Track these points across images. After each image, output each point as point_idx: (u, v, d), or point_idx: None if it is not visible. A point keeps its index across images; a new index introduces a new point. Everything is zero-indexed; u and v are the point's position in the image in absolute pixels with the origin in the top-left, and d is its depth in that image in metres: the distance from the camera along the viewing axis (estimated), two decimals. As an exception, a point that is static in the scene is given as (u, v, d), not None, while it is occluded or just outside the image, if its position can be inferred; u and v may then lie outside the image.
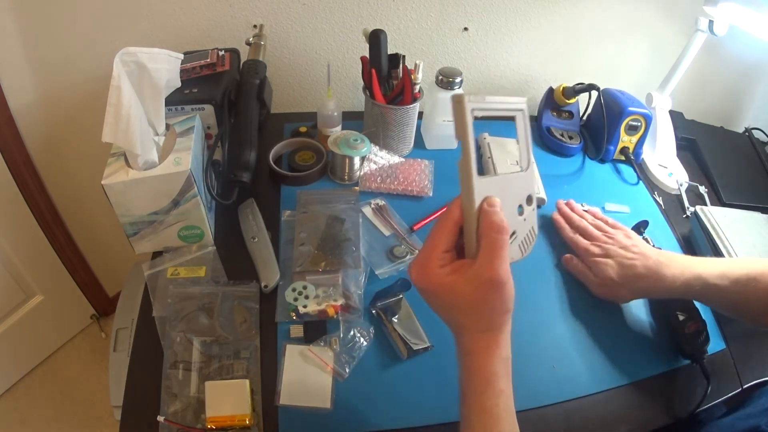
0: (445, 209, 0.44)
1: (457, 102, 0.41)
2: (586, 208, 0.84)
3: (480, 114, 0.41)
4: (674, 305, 0.73)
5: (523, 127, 0.47)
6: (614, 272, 0.69)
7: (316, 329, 0.67)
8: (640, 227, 0.84)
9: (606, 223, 0.79)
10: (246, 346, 0.64)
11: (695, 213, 0.86)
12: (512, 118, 0.46)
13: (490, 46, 1.13)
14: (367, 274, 0.74)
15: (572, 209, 0.84)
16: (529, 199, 0.47)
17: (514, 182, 0.47)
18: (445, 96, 0.92)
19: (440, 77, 0.91)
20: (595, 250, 0.73)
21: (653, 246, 0.81)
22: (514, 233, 0.45)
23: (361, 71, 0.91)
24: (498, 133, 1.03)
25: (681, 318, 0.71)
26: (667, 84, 1.03)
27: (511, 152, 0.98)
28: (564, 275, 0.79)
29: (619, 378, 0.67)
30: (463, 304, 0.41)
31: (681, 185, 0.99)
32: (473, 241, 0.42)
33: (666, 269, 0.65)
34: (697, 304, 0.75)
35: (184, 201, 0.68)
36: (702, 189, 0.99)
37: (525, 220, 0.47)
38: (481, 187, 0.42)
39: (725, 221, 0.82)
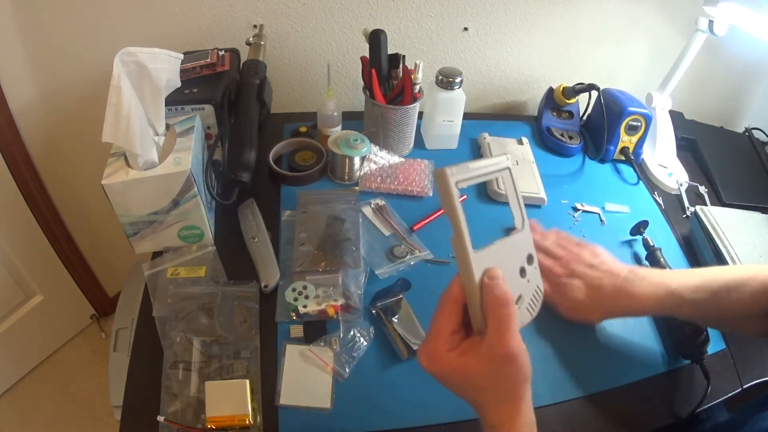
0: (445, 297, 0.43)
1: (440, 176, 0.40)
2: (554, 229, 0.76)
3: (465, 184, 0.41)
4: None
5: (512, 185, 0.45)
6: (581, 293, 0.64)
7: (316, 329, 0.67)
8: (639, 227, 0.84)
9: (570, 242, 0.72)
10: (246, 346, 0.64)
11: (695, 213, 0.86)
12: (497, 179, 0.45)
13: (490, 46, 1.13)
14: (367, 274, 0.74)
15: (533, 229, 0.74)
16: (529, 259, 0.46)
17: (513, 245, 0.45)
18: (446, 96, 0.92)
19: (440, 77, 0.91)
20: (560, 270, 0.67)
21: (654, 245, 0.81)
22: (519, 297, 0.44)
23: (361, 71, 0.91)
24: (498, 133, 1.03)
25: (681, 318, 0.71)
26: (667, 84, 1.03)
27: (511, 152, 0.98)
28: (564, 275, 0.79)
29: (619, 378, 0.67)
30: (479, 383, 0.41)
31: (681, 185, 0.99)
32: (478, 315, 0.41)
33: (636, 287, 0.62)
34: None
35: (184, 201, 0.68)
36: (702, 189, 0.99)
37: (528, 281, 0.45)
38: (479, 261, 0.40)
39: (725, 221, 0.82)
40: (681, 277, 0.62)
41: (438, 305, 0.43)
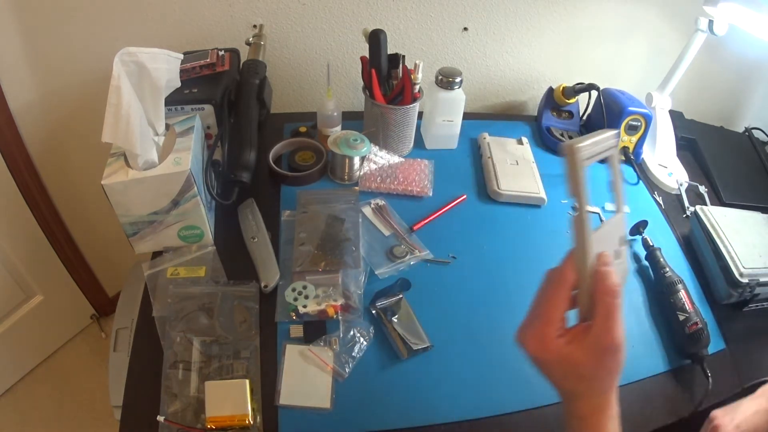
0: (553, 274, 0.41)
1: (570, 153, 0.38)
2: None
3: (588, 163, 0.39)
4: (674, 305, 0.73)
5: (617, 165, 0.44)
6: None
7: (316, 329, 0.67)
8: (639, 227, 0.84)
9: None
10: (246, 346, 0.64)
11: (695, 213, 0.86)
12: (606, 159, 0.44)
13: (490, 46, 1.13)
14: (367, 274, 0.74)
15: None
16: (622, 240, 0.45)
17: (613, 227, 0.44)
18: (445, 96, 0.92)
19: (440, 77, 0.91)
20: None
21: (653, 245, 0.81)
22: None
23: (360, 71, 0.91)
24: (498, 133, 1.03)
25: (681, 318, 0.71)
26: (667, 84, 1.03)
27: (511, 152, 0.98)
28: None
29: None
30: (582, 372, 0.40)
31: (681, 185, 0.99)
32: (586, 300, 0.40)
33: None
34: (697, 302, 0.75)
35: (184, 201, 0.68)
36: (702, 189, 0.99)
37: (621, 262, 0.45)
38: (594, 244, 0.40)
39: (725, 221, 0.82)
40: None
41: (548, 287, 0.41)
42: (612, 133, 0.43)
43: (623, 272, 0.46)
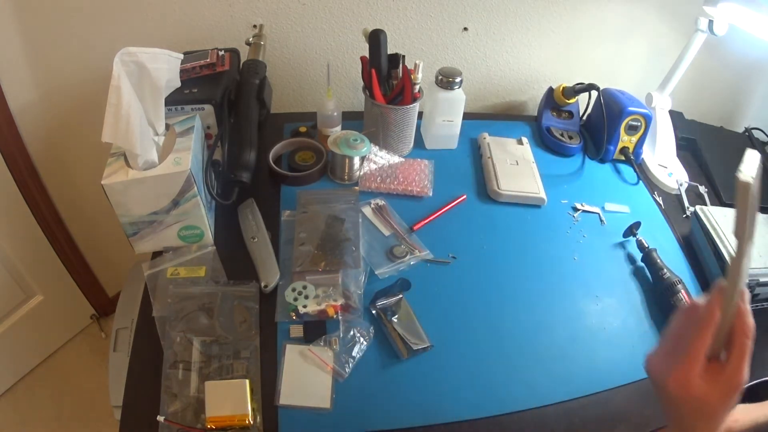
0: (693, 309, 0.41)
1: (743, 190, 0.35)
2: None
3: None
4: (676, 306, 0.73)
5: (757, 194, 0.38)
6: None
7: (316, 329, 0.67)
8: (632, 229, 0.84)
9: None
10: (246, 346, 0.64)
11: (695, 213, 0.86)
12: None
13: (490, 46, 1.13)
14: (367, 274, 0.74)
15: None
16: (745, 273, 0.42)
17: (747, 260, 0.41)
18: (445, 96, 0.92)
19: (440, 77, 0.91)
20: None
21: (648, 246, 0.81)
22: None
23: (360, 71, 0.91)
24: (498, 133, 1.03)
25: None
26: (667, 84, 1.03)
27: (511, 152, 0.98)
28: (565, 275, 0.79)
29: (619, 378, 0.67)
30: (709, 411, 0.40)
31: (681, 185, 0.99)
32: (723, 339, 0.40)
33: None
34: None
35: (184, 201, 0.68)
36: (702, 189, 0.99)
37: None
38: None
39: (725, 221, 0.82)
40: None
41: (692, 320, 0.41)
42: (754, 154, 0.39)
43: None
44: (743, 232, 0.37)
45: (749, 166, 0.37)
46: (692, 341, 0.40)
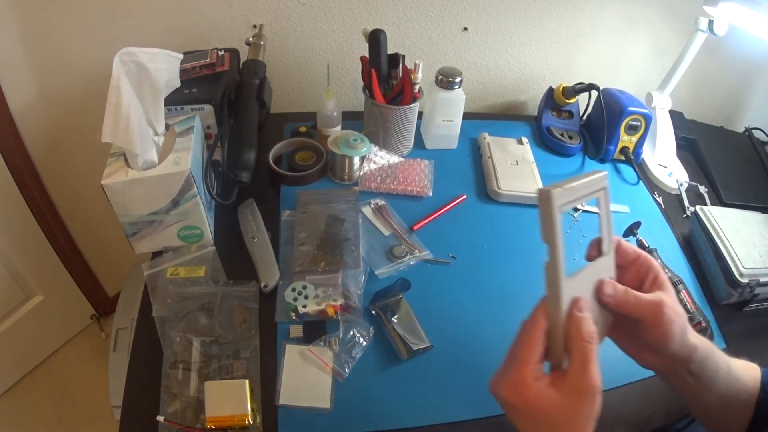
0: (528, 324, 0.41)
1: (545, 199, 0.37)
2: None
3: (566, 208, 0.38)
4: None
5: (606, 206, 0.42)
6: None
7: (316, 329, 0.67)
8: (632, 228, 0.84)
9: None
10: (245, 346, 0.64)
11: (695, 213, 0.86)
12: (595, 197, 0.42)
13: (490, 46, 1.13)
14: (367, 274, 0.74)
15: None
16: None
17: (597, 271, 0.43)
18: (445, 96, 0.92)
19: (440, 77, 0.91)
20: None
21: (649, 246, 0.81)
22: (596, 322, 0.42)
23: (360, 71, 0.91)
24: (498, 133, 1.03)
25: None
26: (667, 84, 1.03)
27: (511, 152, 0.98)
28: (564, 275, 0.79)
29: (619, 378, 0.67)
30: (556, 419, 0.39)
31: (681, 185, 0.99)
32: (560, 347, 0.40)
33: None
34: (697, 302, 0.75)
35: (184, 201, 0.68)
36: (702, 189, 0.99)
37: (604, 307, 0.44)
38: (568, 289, 0.39)
39: (725, 221, 0.82)
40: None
41: (521, 332, 0.41)
42: (600, 175, 0.42)
43: (606, 317, 0.45)
44: (553, 236, 0.37)
45: (575, 182, 0.39)
46: (519, 346, 0.41)
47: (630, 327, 0.46)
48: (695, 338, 0.46)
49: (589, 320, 0.39)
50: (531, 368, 0.39)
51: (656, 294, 0.43)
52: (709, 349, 0.47)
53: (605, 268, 0.44)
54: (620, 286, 0.43)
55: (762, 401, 0.48)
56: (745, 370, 0.50)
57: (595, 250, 0.44)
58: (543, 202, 0.37)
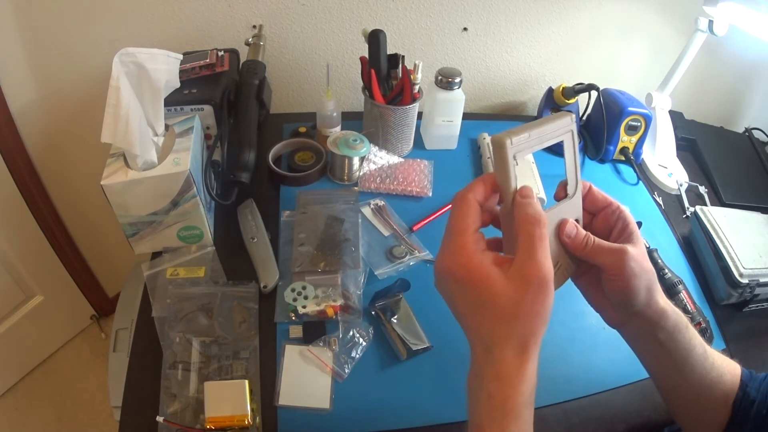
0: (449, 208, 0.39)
1: (498, 147, 0.36)
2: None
3: (524, 154, 0.37)
4: (676, 306, 0.73)
5: (572, 148, 0.42)
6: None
7: (316, 330, 0.67)
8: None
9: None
10: (245, 347, 0.64)
11: (695, 213, 0.86)
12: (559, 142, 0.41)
13: (490, 46, 1.12)
14: (367, 274, 0.74)
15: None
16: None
17: (561, 213, 0.42)
18: (445, 96, 0.92)
19: (440, 77, 0.91)
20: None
21: (649, 246, 0.81)
22: (558, 263, 0.42)
23: (360, 71, 0.91)
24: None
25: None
26: (667, 84, 1.03)
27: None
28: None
29: (619, 378, 0.67)
30: (502, 305, 0.35)
31: (681, 185, 0.99)
32: (512, 238, 0.38)
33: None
34: (697, 302, 0.75)
35: (184, 201, 0.68)
36: (702, 189, 0.99)
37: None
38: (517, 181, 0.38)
39: (725, 221, 0.82)
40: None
41: (454, 206, 0.38)
42: (564, 120, 0.40)
43: (569, 261, 0.43)
44: (504, 182, 0.38)
45: (534, 128, 0.38)
46: (454, 217, 0.38)
47: (595, 276, 0.43)
48: (666, 304, 0.43)
49: (534, 205, 0.37)
50: (470, 236, 0.37)
51: (622, 244, 0.41)
52: (682, 322, 0.44)
53: (571, 211, 0.43)
54: (582, 230, 0.41)
55: (740, 401, 0.46)
56: (724, 365, 0.47)
57: (562, 191, 0.43)
58: (497, 150, 0.37)
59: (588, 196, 0.44)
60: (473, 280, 0.36)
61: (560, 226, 0.41)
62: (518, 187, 0.38)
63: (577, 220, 0.43)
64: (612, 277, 0.41)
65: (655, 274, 0.42)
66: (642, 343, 0.46)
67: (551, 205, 0.42)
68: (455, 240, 0.37)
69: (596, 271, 0.43)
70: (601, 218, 0.44)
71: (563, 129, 0.41)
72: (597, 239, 0.41)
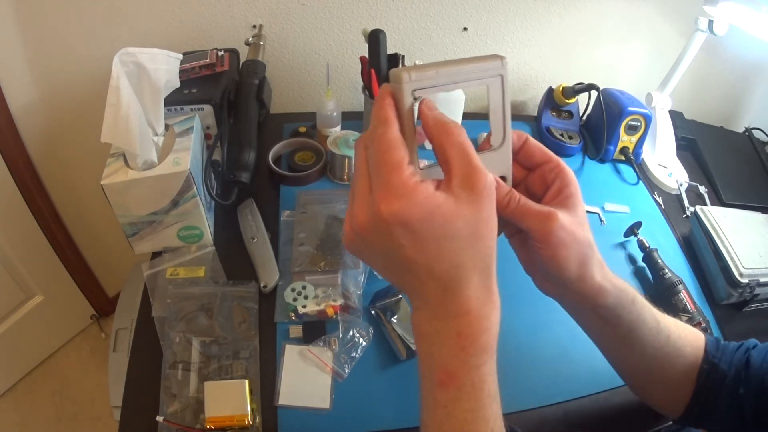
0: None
1: (395, 81, 0.32)
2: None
3: (427, 93, 0.33)
4: (676, 306, 0.73)
5: (500, 95, 0.36)
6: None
7: (316, 329, 0.67)
8: (633, 228, 0.84)
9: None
10: (245, 347, 0.64)
11: (695, 213, 0.86)
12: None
13: (490, 46, 1.12)
14: (367, 274, 0.74)
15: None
16: (503, 181, 0.37)
17: (485, 163, 0.34)
18: (445, 96, 0.92)
19: (440, 77, 0.91)
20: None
21: (649, 246, 0.81)
22: None
23: (360, 71, 0.91)
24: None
25: (684, 319, 0.71)
26: (667, 84, 1.03)
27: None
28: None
29: (619, 378, 0.67)
30: (462, 230, 0.30)
31: (681, 185, 0.99)
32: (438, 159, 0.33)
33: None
34: (697, 302, 0.75)
35: (184, 201, 0.68)
36: (702, 189, 0.99)
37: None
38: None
39: (725, 221, 0.82)
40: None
41: (376, 144, 0.32)
42: (493, 63, 0.35)
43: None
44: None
45: (448, 66, 0.33)
46: (381, 154, 0.32)
47: (525, 240, 0.38)
48: (606, 280, 0.38)
49: (443, 115, 0.33)
50: (407, 170, 0.31)
51: (552, 208, 0.35)
52: (627, 298, 0.39)
53: (496, 165, 0.37)
54: (505, 186, 0.36)
55: (707, 373, 0.43)
56: (683, 336, 0.44)
57: (486, 143, 0.37)
58: (394, 85, 0.33)
59: (523, 149, 0.38)
60: (430, 213, 0.30)
61: None
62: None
63: (504, 177, 0.37)
64: (537, 245, 0.35)
65: (593, 246, 0.37)
66: (582, 317, 0.41)
67: None
68: (392, 179, 0.30)
69: (525, 234, 0.37)
70: (537, 175, 0.39)
71: (488, 72, 0.35)
72: (523, 199, 0.35)
